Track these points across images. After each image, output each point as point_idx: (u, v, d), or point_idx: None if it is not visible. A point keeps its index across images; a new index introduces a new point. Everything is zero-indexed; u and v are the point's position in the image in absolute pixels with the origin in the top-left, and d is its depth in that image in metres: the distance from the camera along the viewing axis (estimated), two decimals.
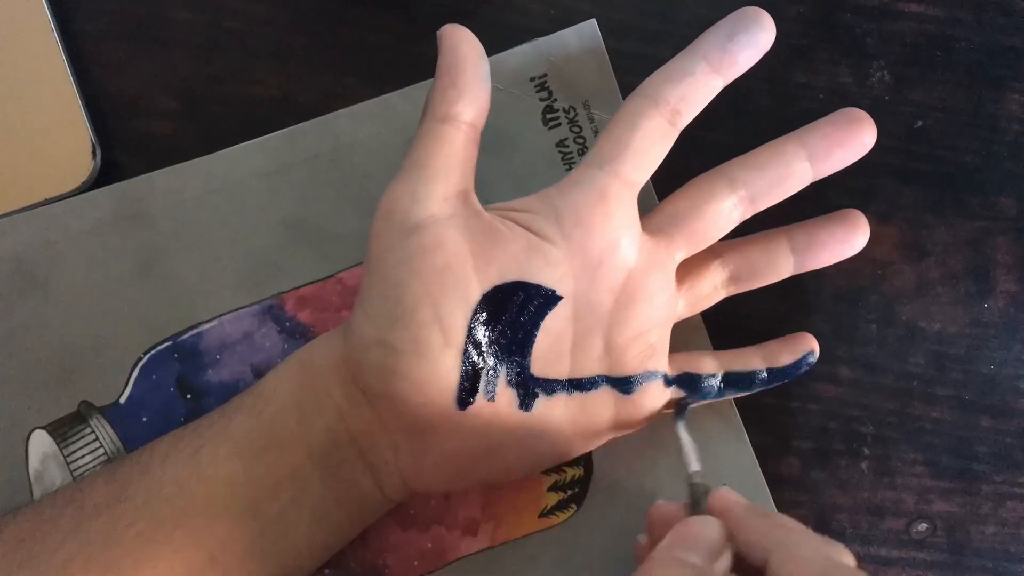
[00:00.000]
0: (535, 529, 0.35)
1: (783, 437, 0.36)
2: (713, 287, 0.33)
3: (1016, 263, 0.36)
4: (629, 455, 0.35)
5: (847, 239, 0.33)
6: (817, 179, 0.32)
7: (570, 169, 0.36)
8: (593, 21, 0.36)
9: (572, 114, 0.36)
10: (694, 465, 0.30)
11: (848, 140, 0.32)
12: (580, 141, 0.36)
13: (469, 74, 0.30)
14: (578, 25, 0.36)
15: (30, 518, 0.30)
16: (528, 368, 0.30)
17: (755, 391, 0.34)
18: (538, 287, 0.30)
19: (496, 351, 0.30)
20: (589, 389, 0.31)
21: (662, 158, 0.31)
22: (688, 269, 0.33)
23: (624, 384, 0.31)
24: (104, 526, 0.29)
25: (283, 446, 0.30)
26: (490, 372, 0.30)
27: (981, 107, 0.36)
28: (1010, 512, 0.36)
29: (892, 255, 0.36)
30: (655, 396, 0.32)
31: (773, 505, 0.35)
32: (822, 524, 0.35)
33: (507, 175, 0.35)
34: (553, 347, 0.30)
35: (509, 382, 0.30)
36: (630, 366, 0.31)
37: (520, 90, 0.35)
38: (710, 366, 0.33)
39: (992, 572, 0.36)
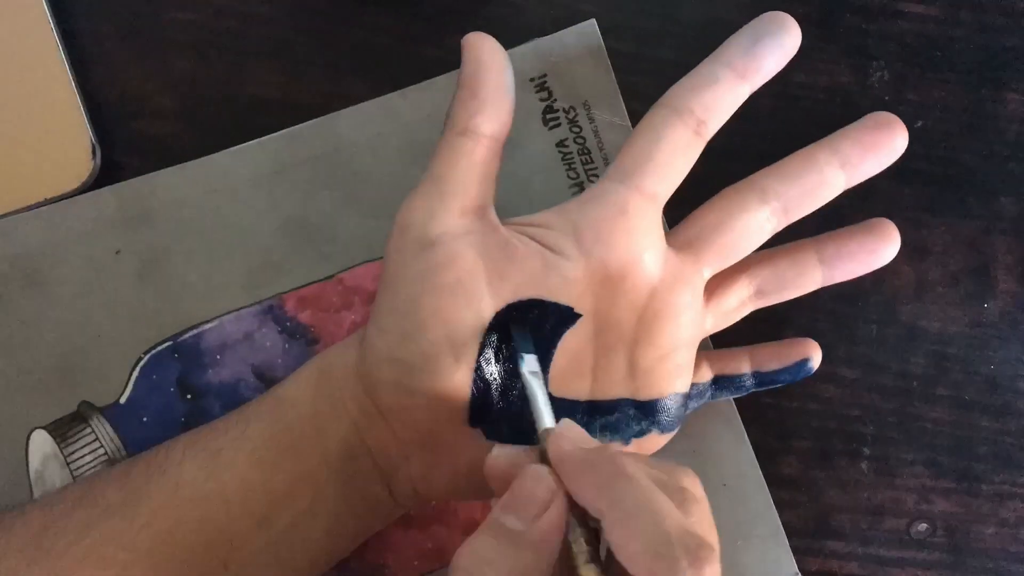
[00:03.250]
0: None
1: (783, 437, 0.36)
2: (740, 301, 0.32)
3: (1016, 263, 0.36)
4: None
5: (877, 250, 0.32)
6: (849, 187, 0.31)
7: (570, 169, 0.36)
8: (593, 21, 0.36)
9: (572, 114, 0.36)
10: (546, 421, 0.27)
11: (881, 145, 0.31)
12: (580, 141, 0.36)
13: (491, 85, 0.29)
14: (578, 25, 0.36)
15: (40, 514, 0.29)
16: (545, 387, 0.29)
17: (747, 393, 0.34)
18: (555, 305, 0.29)
19: (511, 369, 0.29)
20: (611, 412, 0.30)
21: (687, 170, 0.30)
22: (714, 284, 0.32)
23: (648, 408, 0.30)
24: (119, 526, 0.29)
25: (300, 454, 0.29)
26: (504, 390, 0.29)
27: (981, 107, 0.36)
28: (1010, 512, 0.36)
29: None
30: (676, 420, 0.31)
31: (773, 505, 0.35)
32: (822, 524, 0.35)
33: (507, 175, 0.35)
34: (572, 366, 0.30)
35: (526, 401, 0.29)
36: (656, 388, 0.30)
37: (520, 90, 0.35)
38: (705, 372, 0.33)
39: (992, 572, 0.36)
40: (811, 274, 0.32)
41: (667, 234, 0.30)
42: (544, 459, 0.26)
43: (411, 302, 0.28)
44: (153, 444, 0.34)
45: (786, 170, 0.31)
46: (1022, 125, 0.36)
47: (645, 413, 0.30)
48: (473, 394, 0.28)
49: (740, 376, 0.33)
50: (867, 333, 0.36)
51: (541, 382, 0.28)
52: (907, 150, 0.36)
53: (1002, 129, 0.36)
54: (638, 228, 0.29)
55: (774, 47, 0.29)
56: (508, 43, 0.35)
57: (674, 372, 0.30)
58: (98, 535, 0.28)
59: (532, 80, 0.36)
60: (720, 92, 0.29)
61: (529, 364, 0.28)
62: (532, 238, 0.29)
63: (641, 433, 0.31)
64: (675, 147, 0.29)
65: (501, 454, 0.26)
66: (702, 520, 0.24)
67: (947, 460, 0.36)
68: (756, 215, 0.30)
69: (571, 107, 0.36)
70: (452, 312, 0.28)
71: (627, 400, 0.30)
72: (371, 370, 0.29)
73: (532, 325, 0.29)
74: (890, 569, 0.35)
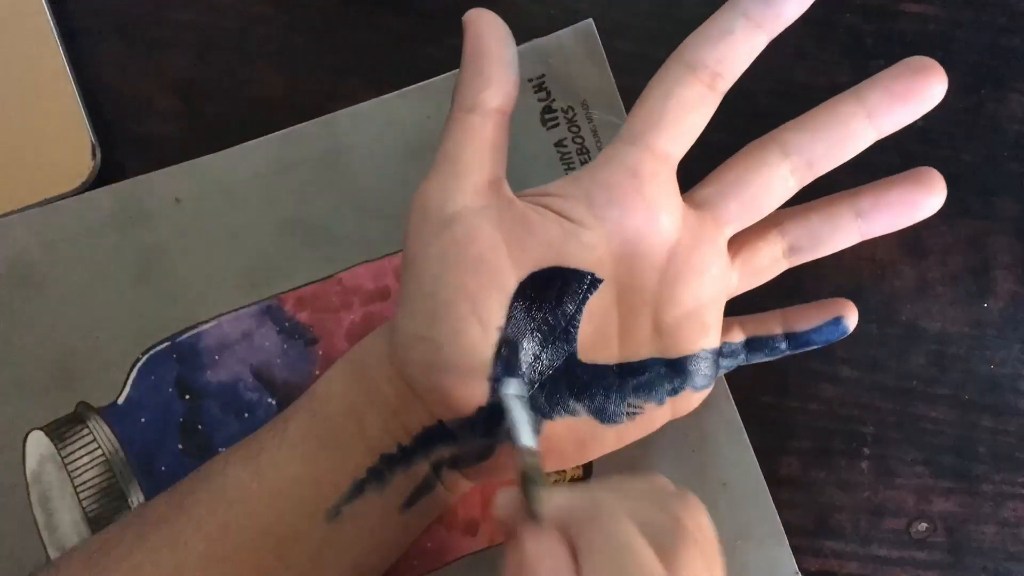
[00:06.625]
0: None
1: (783, 437, 0.36)
2: (772, 258, 0.32)
3: (1016, 263, 0.36)
4: (629, 456, 0.34)
5: (919, 200, 0.31)
6: (881, 138, 0.30)
7: (569, 170, 0.36)
8: (590, 21, 0.36)
9: (570, 114, 0.36)
10: (527, 441, 0.26)
11: (912, 93, 0.29)
12: (578, 141, 0.36)
13: (495, 61, 0.29)
14: (575, 25, 0.36)
15: (97, 539, 0.30)
16: (575, 355, 0.30)
17: (780, 356, 0.33)
18: (575, 271, 0.29)
19: (539, 339, 0.29)
20: (642, 373, 0.30)
21: (703, 126, 0.29)
22: (744, 240, 0.31)
23: (679, 365, 0.30)
24: (169, 534, 0.29)
25: (340, 445, 0.30)
26: (533, 361, 0.29)
27: (981, 107, 0.36)
28: (1010, 512, 0.36)
29: (892, 255, 0.36)
30: (709, 376, 0.31)
31: (773, 505, 0.35)
32: (822, 524, 0.35)
33: (506, 176, 0.35)
34: (599, 332, 0.30)
35: (556, 370, 0.30)
36: (683, 346, 0.30)
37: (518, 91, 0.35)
38: (736, 334, 0.32)
39: (992, 572, 0.35)
40: (847, 228, 0.31)
41: (686, 193, 0.30)
42: (523, 479, 0.25)
43: (435, 281, 0.28)
44: (151, 445, 0.34)
45: (809, 123, 0.30)
46: (1022, 125, 0.36)
47: (676, 371, 0.30)
48: (503, 368, 0.28)
49: (772, 337, 0.32)
50: (867, 333, 0.36)
51: (524, 404, 0.28)
52: (907, 150, 0.36)
53: (1002, 129, 0.36)
54: (651, 189, 0.29)
55: None
56: None
57: (700, 329, 0.30)
58: (150, 544, 0.29)
59: (530, 80, 0.36)
60: (735, 44, 0.29)
61: (512, 387, 0.28)
62: (547, 207, 0.29)
63: (675, 391, 0.31)
64: (687, 104, 0.29)
65: (503, 504, 0.25)
66: (690, 556, 0.23)
67: (947, 460, 0.36)
68: (777, 170, 0.30)
69: (569, 107, 0.36)
70: (476, 287, 0.28)
71: (657, 360, 0.30)
72: (402, 353, 0.29)
73: (555, 294, 0.29)
74: (890, 569, 0.35)
